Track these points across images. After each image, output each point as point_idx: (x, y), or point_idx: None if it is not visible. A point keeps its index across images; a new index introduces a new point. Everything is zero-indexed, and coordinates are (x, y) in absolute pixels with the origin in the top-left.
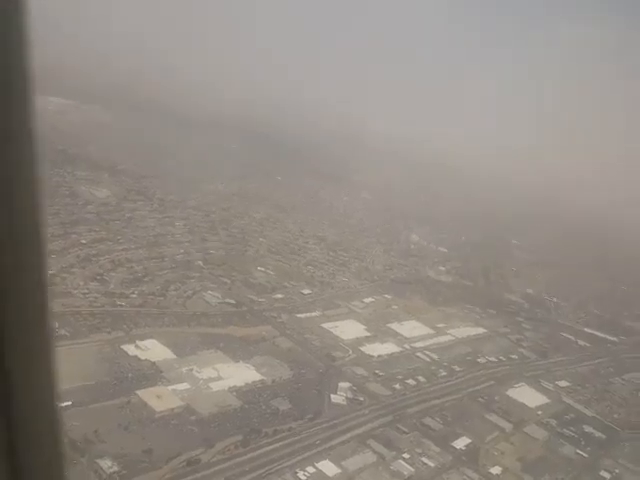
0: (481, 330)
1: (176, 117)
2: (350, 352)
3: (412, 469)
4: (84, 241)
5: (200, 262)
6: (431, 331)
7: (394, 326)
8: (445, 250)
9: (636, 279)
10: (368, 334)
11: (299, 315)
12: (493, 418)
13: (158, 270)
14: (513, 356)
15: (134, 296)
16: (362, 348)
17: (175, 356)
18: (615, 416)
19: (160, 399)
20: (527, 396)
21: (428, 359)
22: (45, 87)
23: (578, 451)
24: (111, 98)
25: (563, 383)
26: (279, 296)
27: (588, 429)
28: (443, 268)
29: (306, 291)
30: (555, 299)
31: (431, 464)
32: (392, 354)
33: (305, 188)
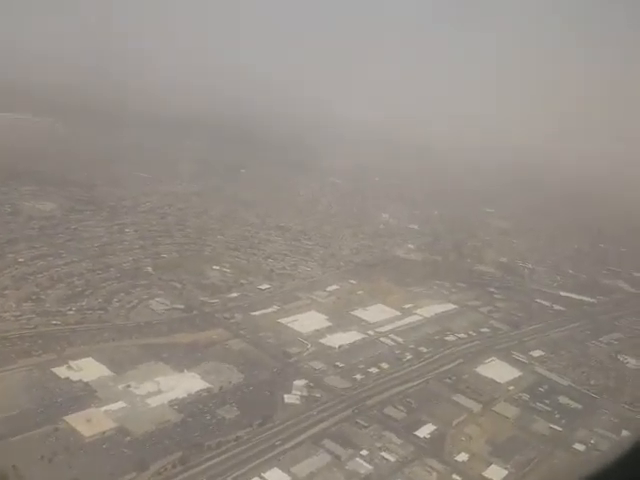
0: (450, 306)
1: (136, 118)
2: (309, 346)
3: (370, 467)
4: (22, 259)
5: (149, 268)
6: (397, 313)
7: (358, 312)
8: (416, 227)
9: (616, 235)
10: (330, 324)
11: (254, 313)
12: (461, 400)
13: (101, 282)
14: (484, 329)
15: (71, 313)
16: (322, 340)
17: (112, 373)
18: (592, 382)
19: (90, 423)
20: (498, 371)
21: (393, 343)
22: None
23: (552, 425)
24: (64, 107)
25: (537, 353)
26: (234, 295)
27: (563, 400)
28: (412, 246)
29: (264, 286)
30: (530, 265)
31: (391, 458)
32: (354, 342)
33: (271, 179)
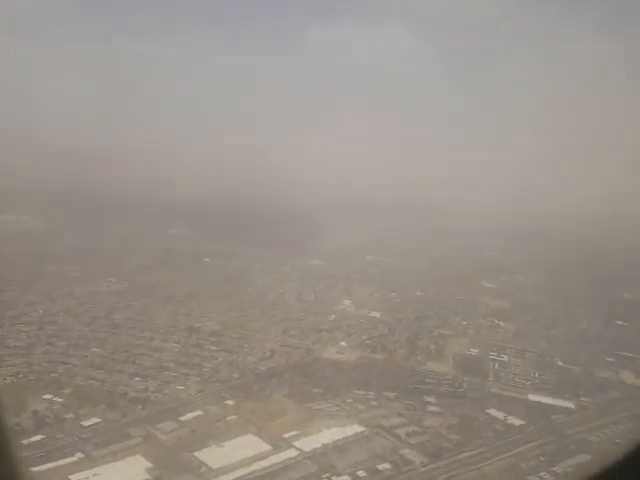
0: (355, 429)
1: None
2: None
3: None
4: None
5: None
6: (267, 448)
7: (204, 453)
8: (377, 315)
9: None
10: (147, 477)
11: (40, 467)
12: None
13: None
14: (384, 465)
15: None
16: None
17: None
18: None
19: None
20: None
21: None
22: None
23: None
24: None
25: None
26: (37, 438)
27: None
28: (344, 343)
29: (91, 421)
30: (505, 357)
31: None
32: None
33: (235, 267)
